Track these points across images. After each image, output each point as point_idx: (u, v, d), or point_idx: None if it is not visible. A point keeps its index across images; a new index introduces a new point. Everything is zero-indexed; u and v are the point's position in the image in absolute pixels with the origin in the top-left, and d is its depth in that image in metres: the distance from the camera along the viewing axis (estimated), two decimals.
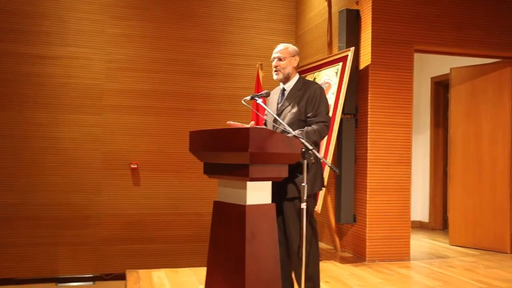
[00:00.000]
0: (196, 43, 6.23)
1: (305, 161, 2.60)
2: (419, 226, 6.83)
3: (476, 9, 4.81)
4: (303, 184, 2.63)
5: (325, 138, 4.51)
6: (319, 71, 5.10)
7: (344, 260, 4.63)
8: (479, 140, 5.29)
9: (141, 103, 6.08)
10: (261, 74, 5.53)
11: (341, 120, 4.67)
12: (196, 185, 6.06)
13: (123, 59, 6.02)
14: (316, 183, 3.04)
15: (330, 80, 4.84)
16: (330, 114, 4.67)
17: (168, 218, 6.13)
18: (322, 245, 5.33)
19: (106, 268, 5.88)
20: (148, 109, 6.10)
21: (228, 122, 3.05)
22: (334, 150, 4.74)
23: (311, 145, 2.62)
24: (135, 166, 6.03)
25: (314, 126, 2.98)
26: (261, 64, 5.57)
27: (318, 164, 3.05)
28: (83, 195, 5.85)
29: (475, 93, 5.35)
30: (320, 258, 3.27)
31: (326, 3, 5.54)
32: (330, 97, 4.75)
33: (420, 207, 6.88)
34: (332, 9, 5.39)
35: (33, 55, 5.74)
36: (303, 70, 5.48)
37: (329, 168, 4.60)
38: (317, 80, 5.09)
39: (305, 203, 2.63)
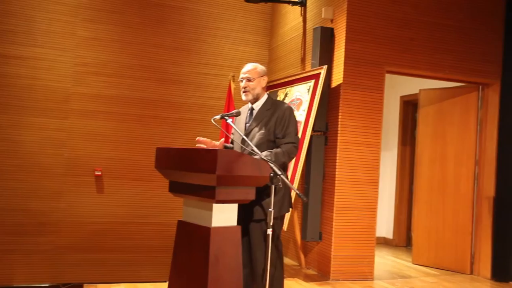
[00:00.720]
0: (168, 50, 6.13)
1: (273, 186, 2.56)
2: (384, 242, 6.89)
3: (447, 36, 4.90)
4: (270, 209, 2.59)
5: None
6: (291, 87, 5.09)
7: (308, 278, 4.61)
8: (444, 162, 5.38)
9: (109, 108, 5.93)
10: (232, 86, 5.48)
11: (311, 137, 4.67)
12: (161, 194, 5.92)
13: (92, 62, 5.86)
14: (284, 205, 3.01)
15: (302, 97, 4.83)
16: (301, 130, 4.67)
17: (131, 227, 5.97)
18: (287, 260, 5.30)
19: (64, 277, 5.68)
20: (115, 115, 5.95)
21: (197, 139, 2.98)
22: (303, 167, 4.73)
23: (279, 169, 2.58)
24: (99, 173, 5.86)
25: (283, 148, 2.94)
26: (233, 76, 5.52)
27: (286, 186, 3.01)
28: (42, 201, 5.64)
29: (442, 115, 5.44)
30: (285, 275, 3.23)
31: (301, 18, 5.55)
32: (301, 114, 4.74)
33: (385, 224, 6.95)
34: (307, 25, 5.40)
35: None
36: (275, 85, 5.47)
37: (297, 180, 4.59)
38: (288, 96, 5.07)
39: (271, 229, 2.58)
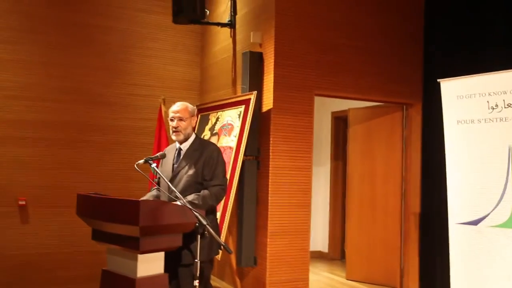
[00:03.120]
0: (95, 71, 5.89)
1: (198, 236, 2.51)
2: (319, 256, 7.02)
3: (372, 59, 5.07)
4: (196, 260, 2.53)
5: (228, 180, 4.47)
6: (222, 111, 5.05)
7: None
8: (373, 179, 5.56)
9: (32, 134, 5.60)
10: (163, 109, 5.37)
11: (243, 162, 4.65)
12: None
13: (10, 86, 5.51)
14: (213, 248, 2.97)
15: (233, 122, 4.81)
16: (233, 155, 4.65)
17: (60, 258, 5.68)
18: (223, 285, 5.27)
19: None
20: (40, 141, 5.64)
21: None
22: (236, 192, 4.70)
23: (204, 218, 2.53)
24: (23, 202, 5.53)
25: (211, 190, 2.90)
26: (163, 99, 5.41)
27: (214, 228, 2.97)
28: None
29: (370, 134, 5.62)
30: None
31: (231, 40, 5.53)
32: (233, 139, 4.72)
33: (320, 238, 7.09)
34: (237, 47, 5.38)
35: None
36: (206, 108, 5.42)
37: (231, 205, 4.56)
38: (220, 121, 5.04)
39: (197, 281, 2.53)
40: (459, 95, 3.81)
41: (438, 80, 4.02)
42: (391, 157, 5.45)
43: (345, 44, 4.95)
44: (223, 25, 5.47)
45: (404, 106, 5.41)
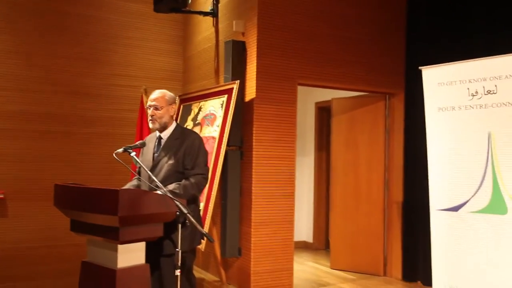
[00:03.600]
0: (75, 61, 5.78)
1: (180, 225, 2.48)
2: (304, 246, 7.04)
3: (353, 48, 5.05)
4: (177, 249, 2.50)
5: (211, 170, 4.43)
6: (205, 101, 5.00)
7: None
8: (357, 168, 5.58)
9: (11, 125, 5.49)
10: (145, 99, 5.30)
11: (226, 152, 4.62)
12: None
13: None
14: (195, 238, 2.94)
15: (216, 112, 4.76)
16: (216, 146, 4.61)
17: (41, 252, 5.60)
18: (208, 276, 5.24)
19: None
20: (18, 132, 5.53)
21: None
22: (219, 182, 4.67)
23: (185, 207, 2.50)
24: (2, 195, 5.43)
25: (192, 179, 2.87)
26: (145, 89, 5.34)
27: (196, 217, 2.94)
28: None
29: (354, 123, 5.63)
30: None
31: (213, 29, 5.47)
32: (216, 129, 4.68)
33: (305, 228, 7.10)
34: (219, 36, 5.33)
35: None
36: (189, 98, 5.36)
37: (214, 196, 4.52)
38: (202, 111, 4.99)
39: (179, 270, 2.50)
40: (440, 82, 3.83)
41: (419, 67, 4.03)
42: (374, 147, 5.47)
43: (328, 33, 4.93)
44: (205, 14, 5.41)
45: (387, 96, 5.42)
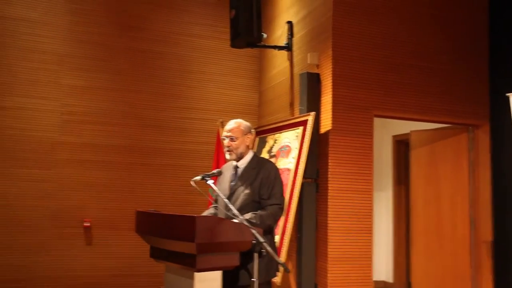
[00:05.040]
0: (155, 96, 6.07)
1: (256, 255, 2.43)
2: (384, 286, 6.69)
3: (433, 78, 4.87)
4: (253, 279, 2.45)
5: (286, 202, 4.37)
6: (279, 133, 5.01)
7: None
8: (439, 204, 5.26)
9: (96, 157, 5.82)
10: (221, 132, 5.38)
11: (302, 184, 4.54)
12: None
13: (78, 111, 5.78)
14: (271, 269, 2.87)
15: (291, 144, 4.74)
16: (291, 178, 4.56)
17: (121, 280, 5.77)
18: None
19: None
20: (103, 164, 5.84)
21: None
22: (295, 215, 4.58)
23: (262, 236, 2.46)
24: (88, 224, 5.70)
25: (268, 210, 2.83)
26: (221, 122, 5.44)
27: (272, 248, 2.88)
28: (21, 255, 5.42)
29: (434, 157, 5.35)
30: None
31: (288, 63, 5.53)
32: (291, 161, 4.64)
33: (384, 267, 6.76)
34: (294, 69, 5.37)
35: None
36: (264, 130, 5.40)
37: (290, 229, 4.44)
38: (277, 143, 4.99)
39: None
40: None
41: (507, 94, 3.77)
42: (457, 182, 5.14)
43: (406, 63, 4.80)
44: (280, 48, 5.49)
45: (470, 127, 5.12)
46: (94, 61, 5.88)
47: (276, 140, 5.03)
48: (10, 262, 5.39)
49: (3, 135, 5.50)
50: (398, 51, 4.78)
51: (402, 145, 6.78)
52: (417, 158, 5.51)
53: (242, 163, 3.01)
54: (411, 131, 5.61)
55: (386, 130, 6.83)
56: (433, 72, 4.88)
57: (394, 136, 6.81)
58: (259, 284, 2.65)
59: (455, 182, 5.15)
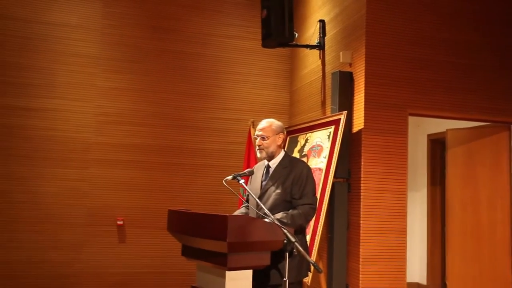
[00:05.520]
0: (187, 96, 6.13)
1: (287, 254, 2.41)
2: None
3: (469, 74, 4.72)
4: (284, 279, 2.43)
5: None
6: (311, 133, 4.96)
7: None
8: (477, 205, 5.10)
9: (129, 157, 5.92)
10: (252, 132, 5.40)
11: (333, 184, 4.49)
12: None
13: (112, 112, 5.90)
14: (302, 269, 2.84)
15: (322, 143, 4.69)
16: (322, 177, 4.51)
17: (152, 278, 5.85)
18: None
19: None
20: (136, 164, 5.93)
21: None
22: (326, 215, 4.53)
23: (293, 235, 2.43)
24: (121, 222, 5.81)
25: (300, 209, 2.80)
26: (253, 122, 5.45)
27: (304, 247, 2.85)
28: (63, 252, 5.59)
29: (472, 156, 5.19)
30: None
31: (320, 62, 5.48)
32: (322, 161, 4.59)
33: (417, 268, 6.61)
34: (326, 68, 5.31)
35: (18, 107, 5.61)
36: (295, 130, 5.36)
37: (319, 232, 4.40)
38: (309, 142, 4.95)
39: None
40: None
41: None
42: (496, 182, 4.97)
43: (440, 60, 4.67)
44: (311, 47, 5.44)
45: (511, 126, 4.94)
46: (127, 63, 5.99)
47: (307, 139, 4.99)
48: (52, 258, 5.57)
49: (42, 136, 5.67)
50: (435, 48, 4.65)
51: (437, 145, 6.61)
52: (454, 158, 5.36)
53: (274, 163, 2.99)
54: (447, 130, 5.46)
55: (420, 129, 6.68)
56: (470, 69, 4.73)
57: (429, 135, 6.65)
58: (290, 284, 2.63)
59: (494, 183, 4.99)
